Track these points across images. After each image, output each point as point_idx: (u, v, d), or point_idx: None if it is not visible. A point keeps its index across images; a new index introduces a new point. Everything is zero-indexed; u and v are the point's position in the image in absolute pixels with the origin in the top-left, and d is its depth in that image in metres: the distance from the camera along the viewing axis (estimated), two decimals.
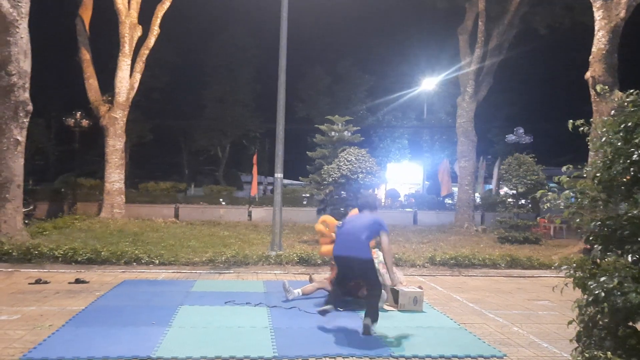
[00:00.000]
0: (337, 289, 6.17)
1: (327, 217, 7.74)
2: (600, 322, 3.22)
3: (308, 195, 16.30)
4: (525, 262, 10.89)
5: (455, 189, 23.03)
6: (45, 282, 8.00)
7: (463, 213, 20.07)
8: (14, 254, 9.57)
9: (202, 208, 21.13)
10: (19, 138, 11.41)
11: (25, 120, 11.59)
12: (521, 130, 22.91)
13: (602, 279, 3.06)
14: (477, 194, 23.97)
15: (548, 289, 8.70)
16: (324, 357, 4.87)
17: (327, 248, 7.27)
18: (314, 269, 9.51)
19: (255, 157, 23.49)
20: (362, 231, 5.84)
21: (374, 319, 5.70)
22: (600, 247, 3.28)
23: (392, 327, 5.95)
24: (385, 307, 6.89)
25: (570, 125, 3.55)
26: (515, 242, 14.93)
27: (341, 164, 12.91)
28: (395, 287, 7.05)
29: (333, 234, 7.10)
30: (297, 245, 12.54)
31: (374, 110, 38.79)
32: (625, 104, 3.29)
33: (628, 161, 3.12)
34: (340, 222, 6.42)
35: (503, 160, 17.86)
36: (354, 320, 6.21)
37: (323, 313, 5.95)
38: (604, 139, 3.32)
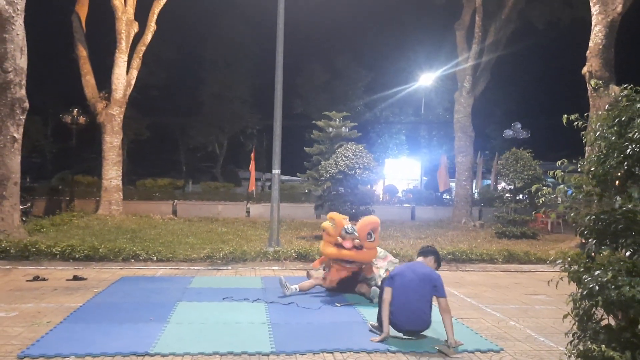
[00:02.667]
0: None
1: (335, 214, 7.43)
2: (595, 316, 3.24)
3: (306, 191, 16.30)
4: (523, 256, 10.93)
5: (453, 184, 23.07)
6: (43, 279, 8.00)
7: (461, 208, 20.12)
8: (11, 251, 9.57)
9: (200, 204, 21.13)
10: (15, 135, 11.40)
11: (21, 117, 11.57)
12: (518, 126, 22.93)
13: (597, 272, 3.07)
14: (475, 189, 24.00)
15: (545, 284, 8.69)
16: (322, 352, 4.89)
17: (330, 250, 7.08)
18: (311, 265, 9.52)
19: (252, 154, 23.48)
20: (424, 301, 5.22)
21: None
22: (594, 241, 3.30)
23: None
24: None
25: (564, 120, 3.57)
26: (513, 237, 14.97)
27: (339, 159, 12.92)
28: None
29: (339, 238, 7.03)
30: (295, 241, 12.56)
31: (371, 106, 38.78)
32: (620, 98, 3.30)
33: (622, 155, 3.13)
34: (391, 273, 5.58)
35: (501, 155, 17.89)
36: (351, 315, 6.23)
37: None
38: (598, 133, 3.33)
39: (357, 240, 6.95)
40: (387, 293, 5.26)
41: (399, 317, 5.22)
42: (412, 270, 5.37)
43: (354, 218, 7.73)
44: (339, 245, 6.98)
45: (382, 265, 7.31)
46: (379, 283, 7.02)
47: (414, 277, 5.26)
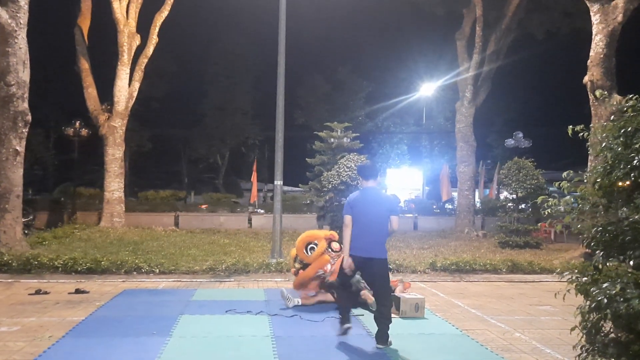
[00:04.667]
0: (343, 293, 5.84)
1: (293, 251, 7.68)
2: (604, 329, 3.20)
3: (308, 202, 16.27)
4: (527, 267, 10.87)
5: (455, 194, 23.01)
6: (45, 293, 7.97)
7: (463, 218, 20.06)
8: (13, 264, 9.54)
9: (202, 216, 21.10)
10: (18, 148, 11.41)
11: (24, 130, 11.59)
12: (520, 135, 22.93)
13: (605, 285, 3.04)
14: (477, 199, 23.93)
15: (550, 294, 8.67)
16: None
17: (294, 283, 7.41)
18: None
19: (254, 165, 23.49)
20: (382, 223, 5.38)
21: (387, 335, 5.34)
22: (601, 253, 3.27)
23: (393, 334, 5.91)
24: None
25: (570, 131, 3.55)
26: (516, 246, 14.90)
27: (341, 170, 12.91)
28: (396, 294, 7.03)
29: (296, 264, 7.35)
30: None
31: (372, 116, 38.84)
32: (625, 108, 3.28)
33: (628, 166, 3.11)
34: (351, 200, 5.62)
35: (502, 164, 17.87)
36: (355, 327, 6.18)
37: (345, 332, 5.63)
38: (604, 144, 3.32)
39: (296, 264, 7.33)
40: (348, 220, 5.42)
41: (357, 242, 5.35)
42: (369, 196, 5.53)
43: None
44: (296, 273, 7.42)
45: None
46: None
47: (372, 204, 5.43)
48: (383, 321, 5.38)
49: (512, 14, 19.46)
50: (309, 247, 7.23)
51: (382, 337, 5.37)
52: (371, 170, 5.70)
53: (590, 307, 3.12)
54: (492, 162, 32.53)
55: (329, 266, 7.26)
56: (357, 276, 6.64)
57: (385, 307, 5.45)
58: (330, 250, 7.30)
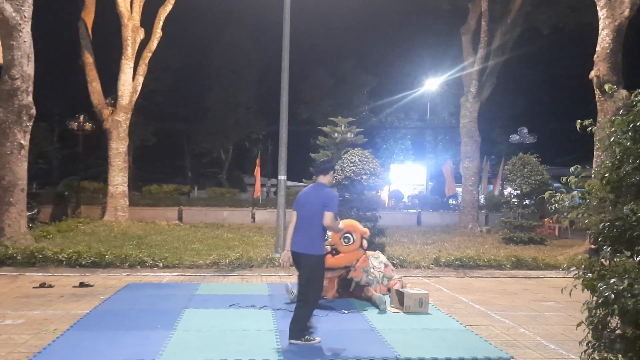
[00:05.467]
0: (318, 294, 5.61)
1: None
2: (610, 324, 3.18)
3: None
4: (531, 262, 10.85)
5: (459, 190, 22.97)
6: (50, 286, 7.99)
7: (467, 214, 20.02)
8: (18, 257, 9.57)
9: (206, 210, 21.13)
10: (22, 142, 11.42)
11: (28, 124, 11.60)
12: (525, 130, 22.84)
13: (612, 280, 3.02)
14: (481, 195, 23.88)
15: (554, 290, 8.66)
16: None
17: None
18: None
19: (258, 159, 23.48)
20: (314, 219, 5.28)
21: (304, 330, 5.26)
22: (609, 248, 3.24)
23: (397, 330, 5.92)
24: (391, 309, 6.86)
25: (578, 125, 3.52)
26: (520, 242, 14.87)
27: (345, 165, 12.86)
28: (400, 290, 7.02)
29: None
30: None
31: (376, 111, 38.75)
32: (634, 103, 3.25)
33: (637, 161, 3.08)
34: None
35: (507, 160, 17.80)
36: (359, 323, 6.18)
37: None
38: (612, 138, 3.28)
39: (327, 247, 6.92)
40: (293, 216, 5.46)
41: (294, 237, 5.38)
42: (311, 192, 5.51)
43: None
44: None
45: (379, 269, 7.30)
46: (375, 287, 7.11)
47: (311, 200, 5.40)
48: (295, 316, 5.30)
49: (518, 8, 19.35)
50: (344, 236, 7.08)
51: (291, 330, 5.28)
52: (322, 166, 5.64)
53: (597, 302, 3.10)
54: (497, 157, 32.43)
55: (357, 263, 7.27)
56: (380, 295, 6.78)
57: (302, 303, 5.30)
58: (361, 248, 7.27)
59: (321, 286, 5.48)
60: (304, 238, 5.30)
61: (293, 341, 5.25)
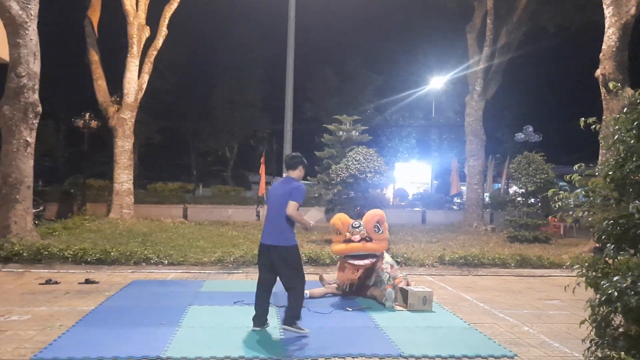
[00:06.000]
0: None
1: (342, 215, 7.60)
2: (613, 322, 3.18)
3: (316, 195, 16.24)
4: (536, 261, 10.82)
5: (464, 188, 22.92)
6: (56, 283, 8.04)
7: (472, 212, 19.98)
8: (24, 254, 9.63)
9: (211, 208, 21.17)
10: (28, 139, 11.48)
11: (34, 121, 11.65)
12: (530, 129, 22.75)
13: (615, 278, 3.02)
14: (486, 193, 23.82)
15: (558, 288, 8.63)
16: (333, 357, 4.86)
17: (339, 247, 7.20)
18: (323, 269, 9.49)
19: (263, 157, 23.48)
20: (281, 210, 5.40)
21: (295, 317, 5.47)
22: (612, 246, 3.24)
23: (401, 327, 5.93)
24: (395, 306, 6.87)
25: (582, 123, 3.51)
26: (525, 241, 14.83)
27: (349, 163, 12.88)
28: (404, 287, 7.03)
29: (347, 233, 7.12)
30: (306, 245, 12.51)
31: (381, 109, 38.68)
32: (638, 101, 3.24)
33: None
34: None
35: (512, 159, 17.75)
36: (363, 320, 6.20)
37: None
38: (616, 136, 3.28)
39: (364, 232, 7.07)
40: (266, 210, 5.72)
41: (264, 230, 5.55)
42: (280, 185, 5.72)
43: (360, 216, 7.83)
44: (348, 241, 7.09)
45: (386, 269, 7.32)
46: (382, 288, 7.09)
47: (279, 192, 5.55)
48: (288, 304, 5.52)
49: (523, 7, 19.27)
50: (375, 225, 7.20)
51: (285, 318, 5.54)
52: (291, 161, 5.79)
53: (600, 300, 3.10)
54: (502, 156, 32.32)
55: (385, 255, 7.43)
56: (390, 290, 6.84)
57: (290, 293, 5.51)
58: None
59: (302, 273, 5.62)
60: (273, 230, 5.46)
61: (285, 327, 5.46)
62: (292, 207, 5.36)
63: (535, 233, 15.17)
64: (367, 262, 7.07)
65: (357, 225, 7.16)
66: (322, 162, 15.63)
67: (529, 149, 17.07)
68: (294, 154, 5.88)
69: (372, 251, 7.08)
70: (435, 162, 36.79)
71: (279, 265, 5.46)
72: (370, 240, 7.07)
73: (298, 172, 5.74)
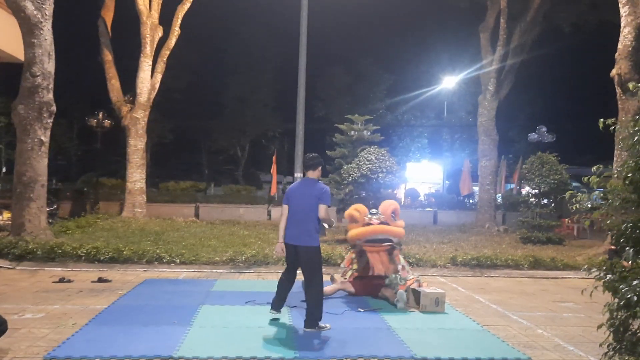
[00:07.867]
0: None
1: (359, 205, 7.75)
2: (632, 327, 3.13)
3: None
4: (549, 263, 10.72)
5: (476, 189, 22.78)
6: (69, 281, 8.10)
7: (484, 213, 19.84)
8: (38, 252, 9.70)
9: (222, 207, 21.22)
10: (42, 138, 11.57)
11: (49, 120, 11.74)
12: (544, 129, 22.55)
13: (635, 282, 2.96)
14: (498, 194, 23.65)
15: (572, 291, 8.56)
16: (345, 357, 4.84)
17: (359, 230, 7.28)
18: (334, 269, 9.46)
19: (274, 157, 23.51)
20: (309, 212, 5.56)
21: (317, 319, 5.60)
22: (631, 250, 3.19)
23: (413, 329, 5.90)
24: (407, 308, 6.83)
25: (600, 125, 3.46)
26: (538, 242, 14.70)
27: (361, 163, 12.85)
28: (416, 288, 6.99)
29: (366, 218, 7.28)
30: None
31: (393, 109, 38.54)
32: None
33: None
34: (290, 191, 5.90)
35: (525, 159, 17.60)
36: (375, 321, 6.17)
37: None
38: (636, 138, 3.22)
39: (382, 217, 7.26)
40: (285, 209, 5.73)
41: (288, 231, 5.63)
42: (303, 187, 5.76)
43: (374, 207, 7.93)
44: (367, 225, 7.23)
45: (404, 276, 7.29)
46: (398, 288, 7.03)
47: (304, 195, 5.65)
48: (308, 308, 5.63)
49: (537, 7, 19.10)
50: (392, 213, 7.40)
51: (307, 321, 5.63)
52: (310, 162, 5.86)
53: (618, 304, 3.04)
54: (514, 156, 32.09)
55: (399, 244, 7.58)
56: (401, 291, 6.85)
57: (310, 293, 5.62)
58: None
59: (321, 274, 5.75)
60: (300, 231, 5.57)
61: (308, 330, 5.58)
62: (324, 211, 5.57)
63: (549, 234, 15.04)
64: (387, 244, 7.20)
65: (374, 212, 7.38)
66: (333, 162, 15.61)
67: (541, 150, 16.92)
68: (313, 154, 5.99)
69: (391, 233, 7.21)
70: (446, 162, 36.62)
71: (303, 263, 5.63)
72: (387, 224, 7.24)
73: (317, 173, 5.84)
